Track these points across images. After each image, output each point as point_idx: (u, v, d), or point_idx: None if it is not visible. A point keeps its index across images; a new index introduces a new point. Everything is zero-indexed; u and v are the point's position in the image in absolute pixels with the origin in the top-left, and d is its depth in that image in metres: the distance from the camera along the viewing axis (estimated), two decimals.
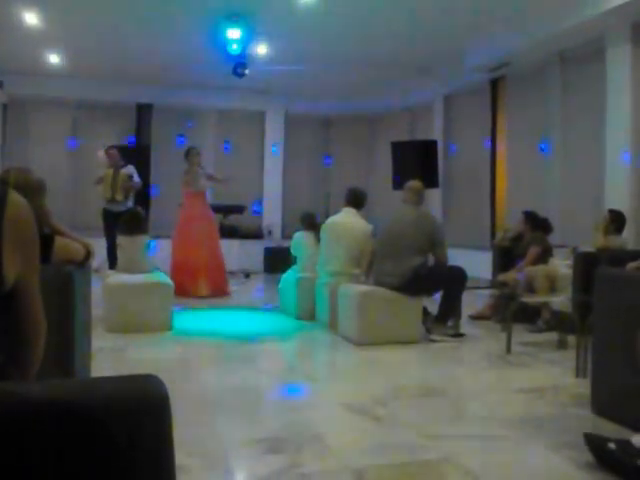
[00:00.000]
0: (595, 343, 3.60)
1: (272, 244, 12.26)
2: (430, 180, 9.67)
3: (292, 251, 7.21)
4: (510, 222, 8.52)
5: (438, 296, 5.84)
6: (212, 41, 8.80)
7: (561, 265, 6.35)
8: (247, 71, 9.99)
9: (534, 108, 9.19)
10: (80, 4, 7.88)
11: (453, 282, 5.75)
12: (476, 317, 6.81)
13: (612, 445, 2.70)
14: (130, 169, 8.96)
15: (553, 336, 5.65)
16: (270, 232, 12.66)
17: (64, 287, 2.79)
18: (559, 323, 5.69)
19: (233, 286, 9.05)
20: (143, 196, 10.52)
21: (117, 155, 8.93)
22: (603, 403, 3.44)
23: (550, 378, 4.44)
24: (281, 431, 3.19)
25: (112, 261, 7.70)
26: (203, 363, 4.80)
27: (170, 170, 11.55)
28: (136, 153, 10.81)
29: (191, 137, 12.30)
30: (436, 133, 11.45)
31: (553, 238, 7.06)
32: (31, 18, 8.31)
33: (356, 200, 6.60)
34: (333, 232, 6.42)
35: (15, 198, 1.31)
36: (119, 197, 8.74)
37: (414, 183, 6.14)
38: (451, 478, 2.65)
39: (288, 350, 5.67)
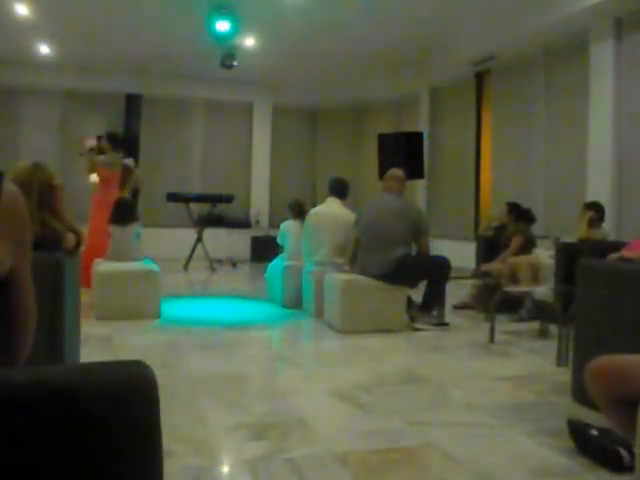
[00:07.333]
0: (576, 332, 3.65)
1: (259, 233, 12.29)
2: (416, 171, 9.71)
3: (279, 240, 7.22)
4: (494, 213, 8.58)
5: (422, 286, 5.90)
6: (200, 31, 8.78)
7: (544, 255, 6.42)
8: (235, 63, 10.02)
9: (519, 101, 9.24)
10: None
11: (437, 272, 5.80)
12: (460, 306, 6.88)
13: (594, 432, 2.74)
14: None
15: (535, 325, 5.73)
16: (258, 221, 12.68)
17: (54, 274, 2.79)
18: (541, 313, 5.75)
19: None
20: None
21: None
22: (583, 391, 3.46)
23: (532, 366, 4.51)
24: (266, 417, 3.22)
25: None
26: (190, 350, 4.82)
27: (158, 160, 11.62)
28: (125, 143, 10.73)
29: (179, 128, 12.33)
30: (422, 125, 11.49)
31: (536, 229, 7.14)
32: (22, 9, 8.32)
33: (339, 190, 6.62)
34: (317, 222, 6.45)
35: (8, 187, 1.32)
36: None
37: (398, 172, 6.15)
38: (433, 464, 2.68)
39: (274, 337, 5.71)
